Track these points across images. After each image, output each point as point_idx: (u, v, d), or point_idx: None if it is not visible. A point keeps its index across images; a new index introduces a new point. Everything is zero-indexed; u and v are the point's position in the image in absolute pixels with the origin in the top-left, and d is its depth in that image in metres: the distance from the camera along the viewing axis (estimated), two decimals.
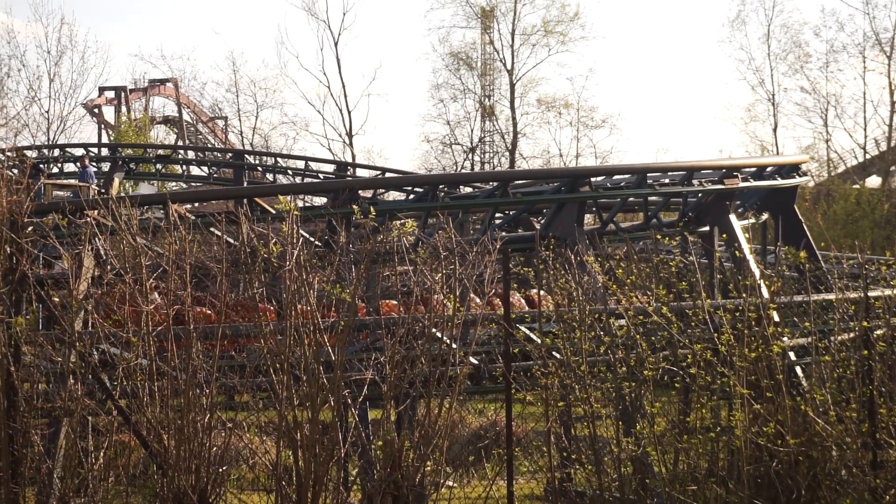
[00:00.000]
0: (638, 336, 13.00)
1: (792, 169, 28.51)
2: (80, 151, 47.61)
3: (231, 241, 13.98)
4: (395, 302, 18.27)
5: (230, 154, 57.76)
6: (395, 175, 49.38)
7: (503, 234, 21.80)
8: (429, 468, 12.13)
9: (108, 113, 79.12)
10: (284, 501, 11.95)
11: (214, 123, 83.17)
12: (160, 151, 53.14)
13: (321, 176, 50.36)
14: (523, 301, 23.12)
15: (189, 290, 12.22)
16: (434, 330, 12.33)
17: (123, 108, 78.36)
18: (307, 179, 48.90)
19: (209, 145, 77.69)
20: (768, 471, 12.29)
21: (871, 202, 58.37)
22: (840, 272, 14.23)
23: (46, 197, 32.65)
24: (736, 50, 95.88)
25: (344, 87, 77.12)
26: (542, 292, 13.89)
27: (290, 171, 50.05)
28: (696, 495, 12.47)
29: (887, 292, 13.29)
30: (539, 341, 13.45)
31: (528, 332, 14.02)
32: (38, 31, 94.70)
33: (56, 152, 50.48)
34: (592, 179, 24.38)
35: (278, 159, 52.86)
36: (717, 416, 13.36)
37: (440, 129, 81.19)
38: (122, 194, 29.35)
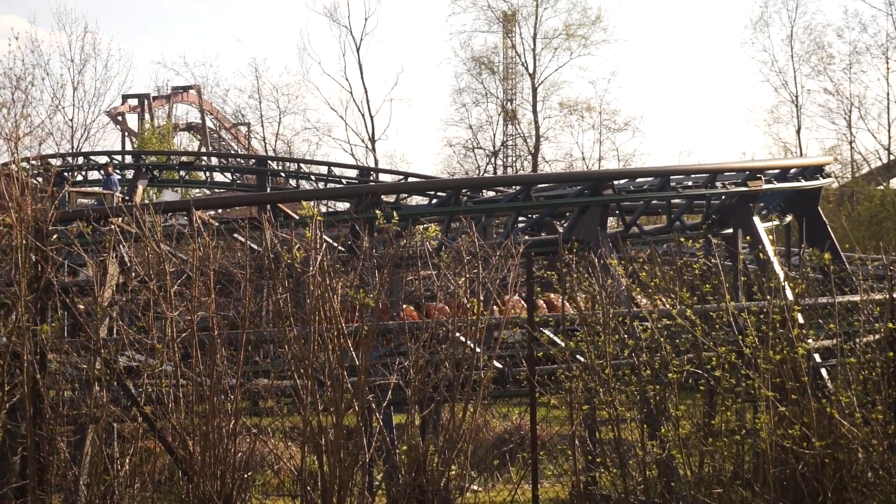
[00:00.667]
0: (662, 339, 12.97)
1: (816, 170, 28.40)
2: (103, 159, 47.79)
3: (255, 246, 14.03)
4: (412, 308, 18.28)
5: (253, 160, 57.78)
6: (418, 180, 49.38)
7: (526, 237, 21.77)
8: (453, 472, 12.13)
9: (132, 120, 79.46)
10: None
11: (237, 130, 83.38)
12: (183, 158, 53.25)
13: (344, 181, 50.37)
14: (543, 304, 23.07)
15: (213, 297, 12.26)
16: (458, 334, 12.33)
17: (147, 116, 78.66)
18: (330, 185, 48.90)
19: (232, 152, 77.84)
20: (794, 473, 12.25)
21: None
22: (865, 273, 14.16)
23: (71, 205, 32.73)
24: (759, 52, 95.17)
25: (366, 92, 77.30)
26: (564, 296, 13.85)
27: (312, 177, 50.06)
28: (722, 498, 12.44)
29: None
30: (563, 345, 13.45)
31: (551, 335, 14.01)
32: (61, 40, 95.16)
33: (80, 160, 50.61)
34: (615, 182, 24.30)
35: (301, 165, 52.94)
36: (742, 419, 13.33)
37: (462, 134, 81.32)
38: (146, 201, 29.43)
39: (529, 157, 77.78)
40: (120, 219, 14.28)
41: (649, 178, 27.15)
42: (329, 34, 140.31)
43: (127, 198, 37.52)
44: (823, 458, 12.10)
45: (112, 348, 12.43)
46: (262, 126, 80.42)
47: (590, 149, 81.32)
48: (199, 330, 12.24)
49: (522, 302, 16.00)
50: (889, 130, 70.25)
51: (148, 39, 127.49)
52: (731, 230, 25.09)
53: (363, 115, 76.41)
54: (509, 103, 79.13)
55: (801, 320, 13.09)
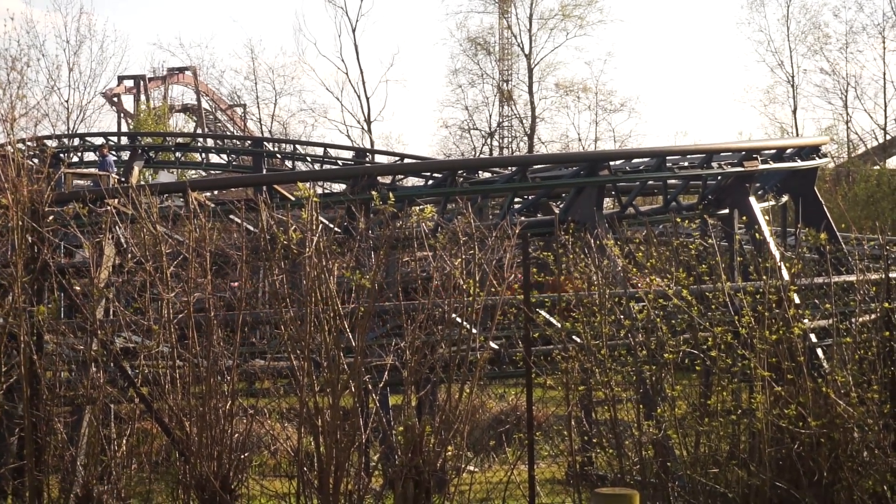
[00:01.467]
0: (658, 319, 12.99)
1: (812, 150, 28.43)
2: (99, 140, 47.72)
3: (251, 228, 14.02)
4: None
5: (249, 142, 57.88)
6: (414, 161, 49.33)
7: (522, 218, 21.76)
8: (450, 453, 12.14)
9: (128, 102, 79.47)
10: (306, 487, 11.99)
11: (233, 111, 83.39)
12: (179, 140, 53.15)
13: (340, 162, 50.40)
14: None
15: (209, 278, 12.26)
16: (454, 315, 12.34)
17: (142, 97, 78.64)
18: (326, 166, 48.90)
19: (228, 133, 77.81)
20: (790, 453, 12.28)
21: (892, 183, 58.19)
22: (861, 253, 14.17)
23: (67, 186, 32.73)
24: (755, 32, 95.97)
25: (362, 73, 77.69)
26: (560, 277, 13.86)
27: (308, 158, 50.07)
28: (718, 478, 12.47)
29: None
30: (559, 325, 13.46)
31: (547, 316, 14.02)
32: (57, 21, 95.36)
33: (76, 141, 50.58)
34: (611, 163, 24.35)
35: (297, 146, 52.90)
36: (738, 399, 13.35)
37: (458, 115, 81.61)
38: (142, 183, 29.38)
39: (525, 138, 77.86)
40: (116, 200, 14.27)
41: (645, 159, 27.19)
42: (325, 15, 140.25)
43: (123, 179, 37.44)
44: (819, 438, 12.13)
45: (108, 329, 12.43)
46: (258, 107, 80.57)
47: (586, 130, 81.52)
48: (195, 311, 12.25)
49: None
50: (885, 110, 70.51)
51: (143, 20, 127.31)
52: (727, 210, 25.14)
53: (359, 97, 76.48)
54: (505, 84, 79.18)
55: (797, 300, 13.11)
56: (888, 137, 70.22)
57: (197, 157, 52.73)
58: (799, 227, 21.52)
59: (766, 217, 25.09)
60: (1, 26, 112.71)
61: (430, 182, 32.89)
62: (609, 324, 13.08)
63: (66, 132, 59.24)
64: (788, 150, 27.52)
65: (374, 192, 14.41)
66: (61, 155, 43.03)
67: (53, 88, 65.97)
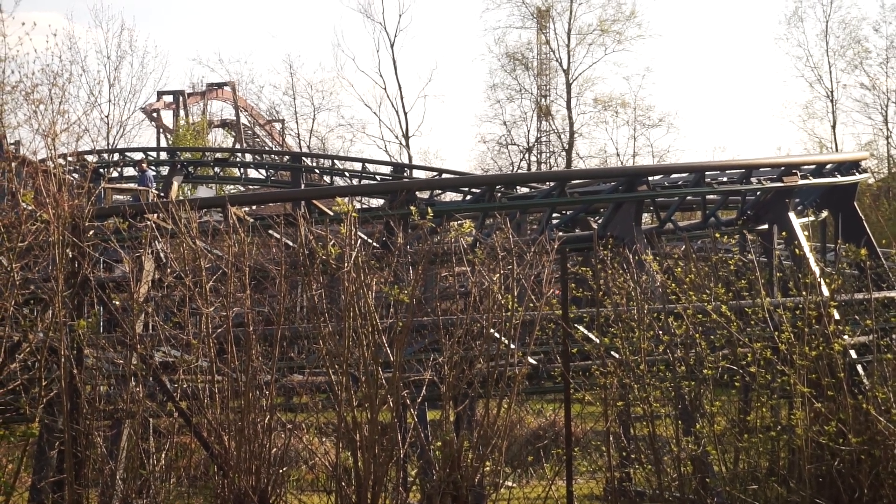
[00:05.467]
0: (697, 335, 12.95)
1: (852, 166, 28.26)
2: (139, 155, 48.01)
3: (290, 243, 14.05)
4: None
5: (287, 157, 57.98)
6: (452, 176, 49.37)
7: (560, 234, 21.74)
8: (488, 468, 12.13)
9: (167, 117, 79.76)
10: (344, 502, 11.98)
11: (272, 126, 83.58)
12: (218, 155, 53.51)
13: (378, 177, 50.46)
14: None
15: (248, 293, 12.29)
16: (492, 330, 12.33)
17: (182, 112, 78.92)
18: (364, 181, 48.96)
19: (266, 148, 78.03)
20: (830, 470, 12.21)
21: None
22: None
23: (107, 201, 32.91)
24: (793, 47, 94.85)
25: (400, 88, 77.34)
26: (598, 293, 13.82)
27: (347, 173, 50.24)
28: (757, 494, 12.41)
29: None
30: (597, 341, 13.43)
31: (586, 331, 13.99)
32: (98, 37, 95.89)
33: (116, 156, 50.89)
34: (650, 178, 24.26)
35: (335, 161, 53.09)
36: (777, 415, 13.30)
37: (496, 130, 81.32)
38: (181, 198, 29.52)
39: (563, 154, 77.67)
40: (155, 215, 14.33)
41: (684, 174, 27.10)
42: (363, 30, 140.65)
43: (162, 194, 37.64)
44: (859, 455, 12.06)
45: (148, 344, 12.49)
46: (297, 123, 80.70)
47: (624, 145, 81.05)
48: (234, 326, 12.28)
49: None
50: None
51: (183, 36, 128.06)
52: (766, 226, 25.02)
53: (397, 112, 76.51)
54: (543, 99, 79.00)
55: (836, 316, 13.05)
56: None
57: (236, 172, 52.97)
58: (839, 242, 21.43)
59: (806, 233, 24.94)
60: (43, 42, 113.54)
61: (469, 197, 32.92)
62: (648, 339, 13.04)
63: (106, 147, 59.56)
64: (828, 166, 27.35)
65: (412, 207, 14.41)
66: (101, 170, 43.20)
67: (94, 104, 66.17)
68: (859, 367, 14.55)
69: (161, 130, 78.11)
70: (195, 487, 13.13)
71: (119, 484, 12.34)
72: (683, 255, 13.97)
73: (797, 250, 18.47)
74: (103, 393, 12.52)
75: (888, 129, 71.60)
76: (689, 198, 26.18)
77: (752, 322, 13.05)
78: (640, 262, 13.59)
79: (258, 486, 11.87)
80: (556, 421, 18.56)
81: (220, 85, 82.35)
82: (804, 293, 12.82)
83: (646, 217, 27.62)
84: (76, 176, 14.66)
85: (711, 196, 25.37)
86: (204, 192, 50.01)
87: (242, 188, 51.86)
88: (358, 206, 40.11)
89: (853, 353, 14.29)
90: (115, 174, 46.36)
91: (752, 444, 12.59)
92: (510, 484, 14.12)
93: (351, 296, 11.94)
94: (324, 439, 13.38)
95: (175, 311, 12.50)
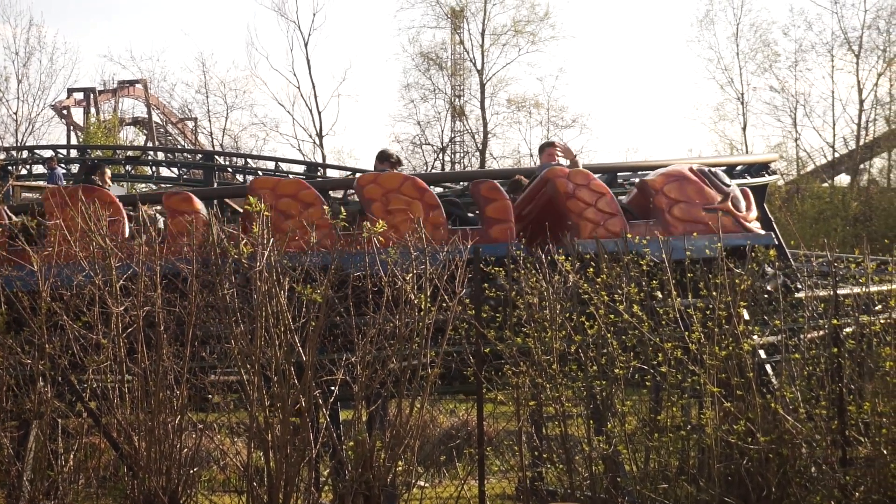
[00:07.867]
0: (609, 335, 13.00)
1: (762, 167, 28.53)
2: (48, 153, 47.43)
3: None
4: None
5: (200, 155, 57.61)
6: None
7: None
8: (400, 468, 12.11)
9: (77, 114, 78.86)
10: (256, 502, 11.90)
11: (184, 124, 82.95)
12: (129, 153, 53.04)
13: (291, 177, 50.23)
14: None
15: (159, 292, 12.17)
16: (405, 330, 12.30)
17: (92, 110, 78.11)
18: None
19: (179, 146, 77.46)
20: (739, 468, 12.32)
21: (844, 201, 58.76)
22: (809, 270, 14.27)
23: (15, 199, 32.48)
24: (705, 49, 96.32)
25: (314, 87, 77.27)
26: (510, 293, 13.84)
27: (260, 172, 49.92)
28: (668, 493, 12.50)
29: (856, 290, 13.36)
30: (510, 341, 13.43)
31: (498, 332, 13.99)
32: (5, 33, 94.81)
33: (24, 154, 50.28)
34: None
35: (248, 160, 52.81)
36: (687, 415, 13.40)
37: (410, 130, 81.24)
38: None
39: (477, 154, 77.74)
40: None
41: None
42: (277, 29, 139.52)
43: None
44: (768, 454, 12.18)
45: (56, 343, 12.32)
46: (209, 121, 79.94)
47: (537, 145, 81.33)
48: (145, 325, 12.15)
49: None
50: (834, 128, 71.08)
51: (94, 33, 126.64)
52: None
53: (311, 111, 76.01)
54: (457, 99, 79.01)
55: (746, 316, 13.18)
56: (837, 155, 70.87)
57: (147, 170, 52.52)
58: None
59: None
60: None
61: None
62: (560, 339, 13.08)
63: (14, 144, 58.81)
64: (738, 167, 27.61)
65: (325, 207, 14.38)
66: (9, 167, 42.69)
67: (1, 100, 65.48)
68: (768, 367, 14.71)
69: (71, 128, 77.23)
70: (105, 488, 12.98)
71: (26, 485, 12.17)
72: (596, 255, 14.01)
73: (708, 251, 18.59)
74: (10, 393, 12.34)
75: (797, 132, 72.63)
76: None
77: (664, 322, 13.13)
78: (553, 261, 13.60)
79: (169, 486, 11.76)
80: (468, 421, 18.56)
81: (132, 82, 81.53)
82: (714, 293, 12.92)
83: None
84: None
85: (623, 197, 25.51)
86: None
87: (154, 186, 51.34)
88: None
89: (762, 353, 14.45)
90: (23, 172, 45.81)
91: (662, 444, 12.66)
92: (423, 484, 14.13)
93: (263, 295, 11.87)
94: (235, 439, 13.31)
95: (85, 310, 12.32)
